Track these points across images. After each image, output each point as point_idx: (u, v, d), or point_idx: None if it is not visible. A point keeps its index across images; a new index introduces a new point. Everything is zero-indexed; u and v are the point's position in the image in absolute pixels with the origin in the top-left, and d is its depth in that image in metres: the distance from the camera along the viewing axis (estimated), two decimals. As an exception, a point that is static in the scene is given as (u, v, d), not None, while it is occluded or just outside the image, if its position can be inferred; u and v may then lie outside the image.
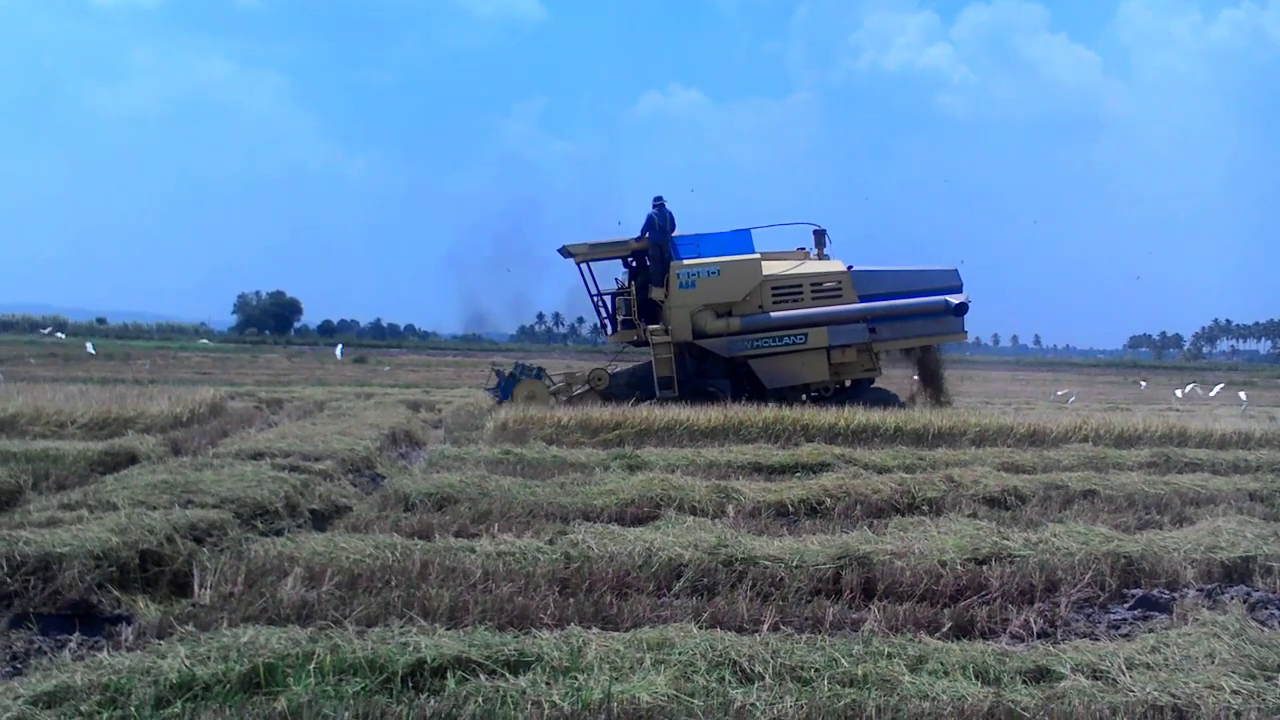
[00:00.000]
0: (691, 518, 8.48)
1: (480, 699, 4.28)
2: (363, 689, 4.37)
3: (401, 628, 5.18)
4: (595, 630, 5.31)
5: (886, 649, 5.12)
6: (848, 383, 20.06)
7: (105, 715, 4.17)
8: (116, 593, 6.27)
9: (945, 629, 5.82)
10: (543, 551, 7.13)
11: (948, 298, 19.75)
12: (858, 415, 15.76)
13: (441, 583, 6.30)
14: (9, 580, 6.04)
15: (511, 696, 4.30)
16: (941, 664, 4.95)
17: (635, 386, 19.21)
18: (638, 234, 19.49)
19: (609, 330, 20.28)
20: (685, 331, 19.10)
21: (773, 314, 19.28)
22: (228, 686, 4.39)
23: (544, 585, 6.36)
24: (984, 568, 6.93)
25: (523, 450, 12.92)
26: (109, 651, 5.10)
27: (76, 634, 5.72)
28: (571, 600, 6.09)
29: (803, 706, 4.37)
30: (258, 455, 11.09)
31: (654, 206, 19.33)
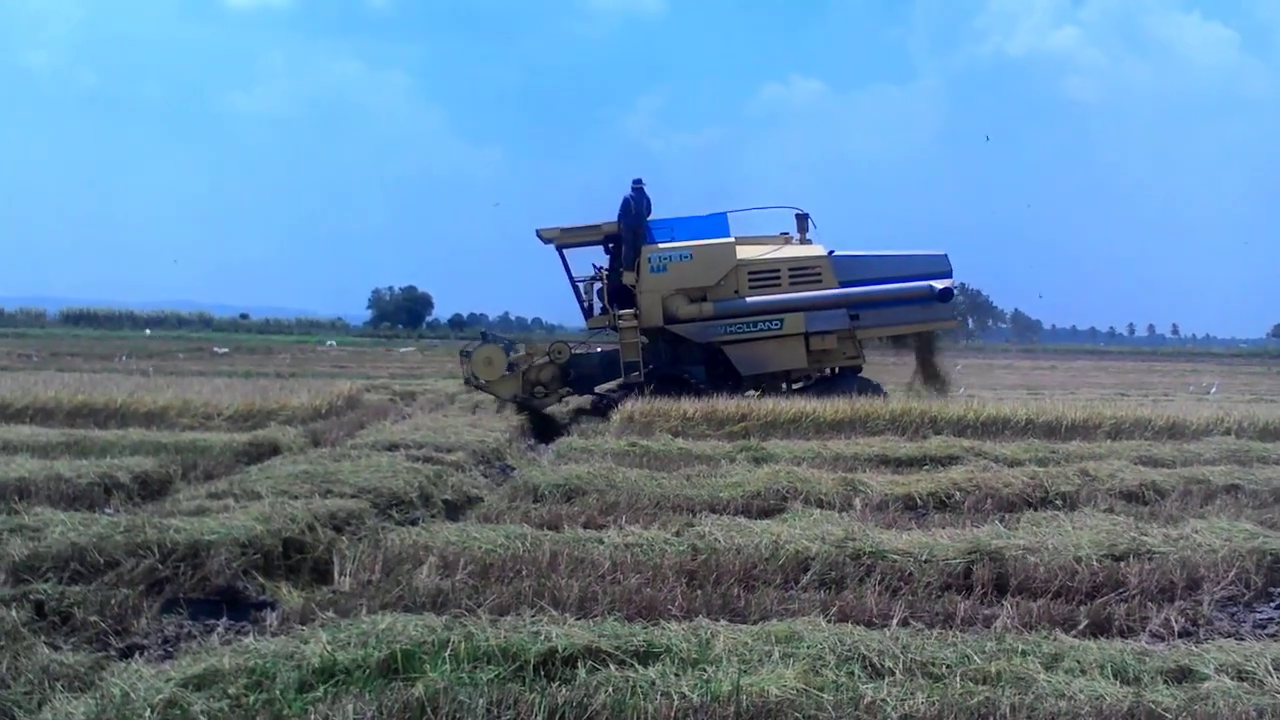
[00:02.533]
0: (818, 510, 8.45)
1: (610, 689, 4.33)
2: (496, 677, 4.46)
3: (533, 617, 5.27)
4: (723, 622, 5.33)
5: (1020, 646, 5.03)
6: (830, 371, 19.45)
7: (251, 698, 4.30)
8: (261, 579, 6.53)
9: (1081, 627, 5.69)
10: (670, 543, 7.17)
11: (932, 283, 18.97)
12: (987, 408, 15.43)
13: (571, 573, 6.39)
14: (161, 566, 6.30)
15: (641, 687, 4.34)
16: (1078, 662, 4.84)
17: (605, 369, 18.98)
18: (615, 218, 18.94)
19: (586, 316, 19.75)
20: (656, 316, 18.56)
21: (748, 299, 18.65)
22: (367, 672, 4.51)
23: (671, 577, 6.40)
24: (1121, 564, 6.75)
25: (649, 442, 12.99)
26: (254, 636, 5.29)
27: (224, 619, 5.95)
28: (699, 592, 6.12)
29: (934, 703, 4.32)
30: (393, 447, 11.40)
31: (632, 189, 18.78)
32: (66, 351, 39.35)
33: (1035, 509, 8.90)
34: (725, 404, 15.56)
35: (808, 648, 4.85)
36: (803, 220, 19.62)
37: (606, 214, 18.98)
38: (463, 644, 4.73)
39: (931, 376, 20.03)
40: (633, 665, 4.59)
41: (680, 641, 4.88)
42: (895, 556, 6.78)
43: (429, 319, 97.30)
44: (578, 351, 19.70)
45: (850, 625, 5.34)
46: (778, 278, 18.72)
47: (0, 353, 37.19)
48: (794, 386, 19.13)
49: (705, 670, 4.52)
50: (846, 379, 18.93)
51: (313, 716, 4.10)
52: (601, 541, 7.20)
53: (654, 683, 4.37)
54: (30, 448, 11.11)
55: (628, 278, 18.56)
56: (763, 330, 18.52)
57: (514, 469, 12.00)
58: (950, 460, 11.48)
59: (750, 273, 18.66)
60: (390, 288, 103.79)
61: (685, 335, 18.64)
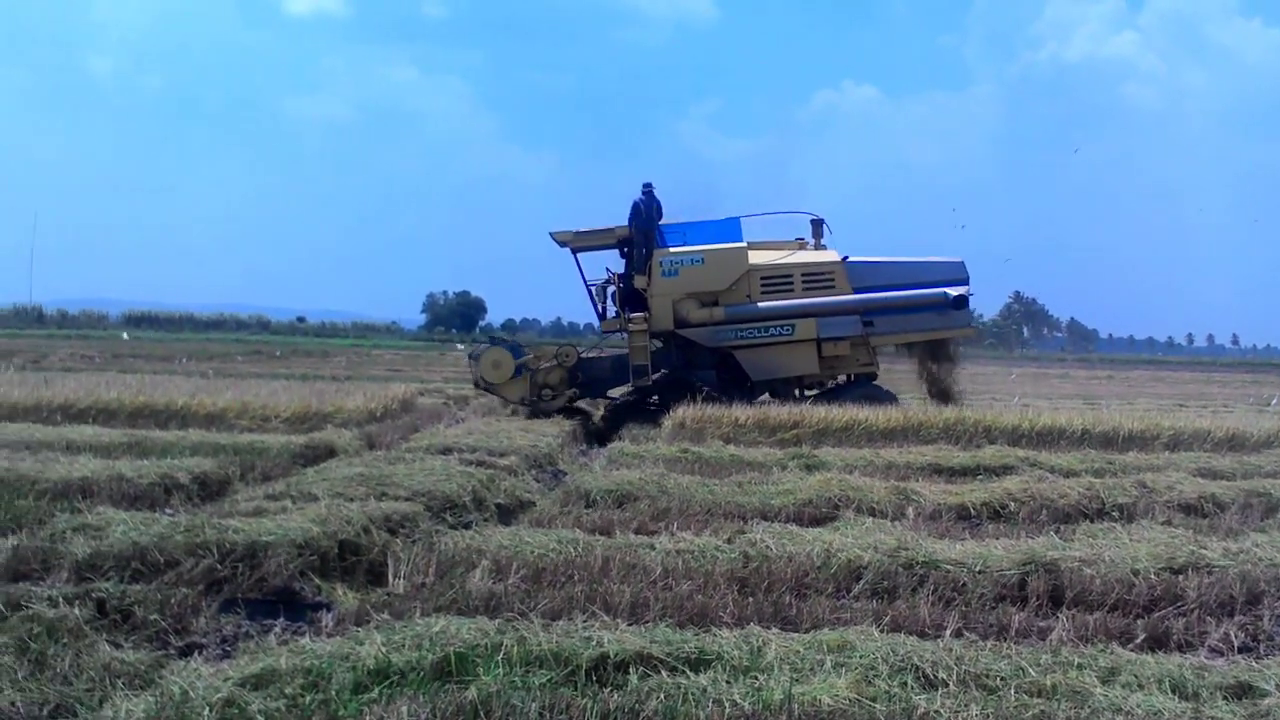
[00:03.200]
0: (870, 519, 8.41)
1: (662, 695, 4.34)
2: (549, 681, 4.49)
3: (585, 622, 5.29)
4: (774, 630, 5.32)
5: (1076, 659, 4.97)
6: (844, 377, 19.28)
7: (308, 698, 4.36)
8: (317, 580, 6.60)
9: (1139, 640, 5.61)
10: (721, 550, 7.17)
11: (947, 290, 18.71)
12: (1042, 417, 15.28)
13: (622, 579, 6.41)
14: (219, 566, 6.41)
15: (692, 694, 4.35)
16: (1135, 676, 4.78)
17: (617, 373, 18.92)
18: (626, 222, 18.87)
19: (600, 319, 19.68)
20: (667, 320, 18.47)
21: (759, 304, 18.50)
22: (421, 674, 4.56)
23: (723, 584, 6.40)
24: (1180, 577, 6.65)
25: (700, 449, 12.99)
26: (311, 637, 5.35)
27: (281, 619, 6.03)
28: (750, 600, 6.11)
29: (988, 716, 4.29)
30: (446, 450, 11.50)
31: (642, 193, 18.71)
32: (128, 353, 40.05)
33: (1091, 520, 8.80)
34: (777, 411, 15.52)
35: (860, 657, 4.83)
36: (818, 225, 19.56)
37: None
38: (515, 648, 4.77)
39: (939, 385, 19.84)
40: (684, 672, 4.59)
41: (732, 649, 4.88)
42: (949, 567, 6.73)
43: (482, 323, 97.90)
44: (588, 355, 19.72)
45: (903, 635, 5.31)
46: (790, 283, 18.62)
47: (64, 354, 37.92)
48: (808, 393, 19.05)
49: (757, 678, 4.52)
50: (858, 386, 18.80)
51: (368, 718, 4.15)
52: (653, 547, 7.21)
53: (705, 690, 4.38)
54: (93, 448, 11.34)
55: (639, 281, 18.55)
56: (774, 335, 18.42)
57: (566, 474, 12.06)
58: (1004, 470, 11.37)
59: (763, 278, 18.58)
60: (444, 292, 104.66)
61: (696, 339, 18.57)
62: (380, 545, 7.22)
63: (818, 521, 8.47)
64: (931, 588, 6.45)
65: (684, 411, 15.69)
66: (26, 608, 5.40)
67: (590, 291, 19.36)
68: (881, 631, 5.38)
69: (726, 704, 4.27)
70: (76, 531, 6.93)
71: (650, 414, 17.37)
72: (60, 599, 5.58)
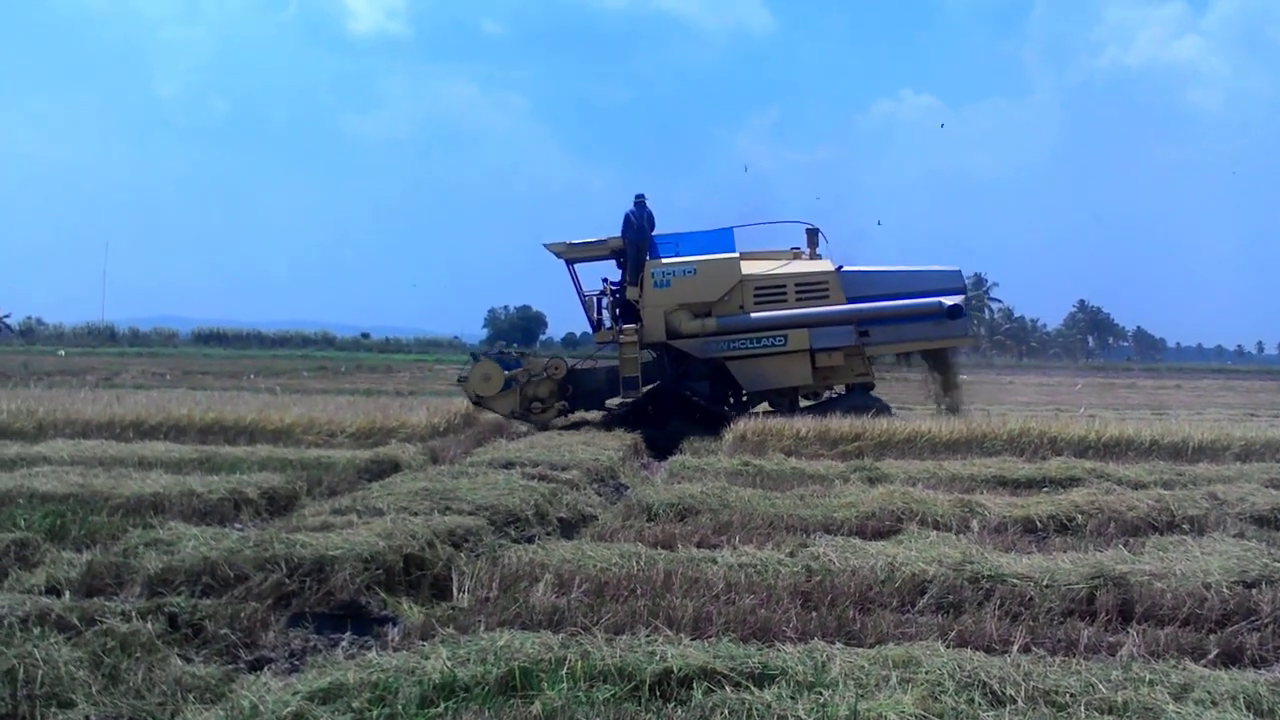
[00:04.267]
0: (934, 532, 8.33)
1: (726, 710, 4.33)
2: (613, 696, 4.50)
3: (648, 636, 5.29)
4: (839, 645, 5.28)
5: (1148, 675, 4.88)
6: (847, 388, 19.13)
7: (375, 712, 4.39)
8: (383, 594, 6.66)
9: (1211, 656, 5.51)
10: (784, 564, 7.14)
11: (942, 299, 18.49)
12: (1110, 428, 15.04)
13: (685, 593, 6.40)
14: (288, 581, 6.49)
15: (757, 710, 4.33)
16: (1208, 693, 4.69)
17: (611, 384, 18.83)
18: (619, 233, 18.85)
19: (594, 330, 19.73)
20: (659, 331, 18.41)
21: (751, 315, 18.40)
22: (486, 688, 4.59)
23: (786, 598, 6.37)
24: (1253, 591, 6.51)
25: (761, 461, 12.95)
26: (377, 651, 5.41)
27: (348, 633, 6.12)
28: (814, 614, 6.08)
29: (1057, 732, 4.24)
30: (509, 464, 11.58)
31: (634, 204, 18.73)
32: (197, 370, 40.85)
33: (1161, 533, 8.64)
34: (839, 424, 15.44)
35: (926, 673, 4.78)
36: (813, 235, 19.46)
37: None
38: (579, 662, 4.79)
39: (943, 395, 19.73)
40: (748, 687, 4.58)
41: (796, 664, 4.85)
42: (1015, 580, 6.65)
43: (543, 337, 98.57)
44: (581, 367, 19.84)
45: (969, 651, 5.26)
46: (784, 293, 18.50)
47: (135, 371, 38.74)
48: (803, 404, 18.98)
49: (821, 694, 4.49)
50: (852, 397, 18.70)
51: (434, 731, 4.18)
52: (715, 561, 7.20)
53: (770, 706, 4.36)
54: (164, 463, 11.58)
55: (631, 292, 18.59)
56: (766, 346, 18.32)
57: (627, 487, 12.08)
58: (1071, 482, 11.20)
59: (756, 288, 18.48)
60: (505, 307, 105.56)
61: (688, 350, 18.52)
62: (444, 559, 7.27)
63: (881, 535, 8.41)
64: (998, 602, 6.37)
65: (745, 424, 15.67)
66: (101, 622, 5.49)
67: (585, 303, 19.44)
68: (947, 647, 5.32)
69: (791, 719, 4.26)
70: (149, 546, 7.06)
71: (654, 423, 17.51)
72: (133, 613, 5.68)
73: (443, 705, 4.44)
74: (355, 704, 4.46)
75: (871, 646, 5.36)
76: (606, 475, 12.44)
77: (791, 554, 7.44)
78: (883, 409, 17.94)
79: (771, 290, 18.47)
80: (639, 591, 6.46)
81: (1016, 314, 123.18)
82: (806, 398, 19.18)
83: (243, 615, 5.95)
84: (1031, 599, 6.43)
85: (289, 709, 4.38)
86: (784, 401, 18.86)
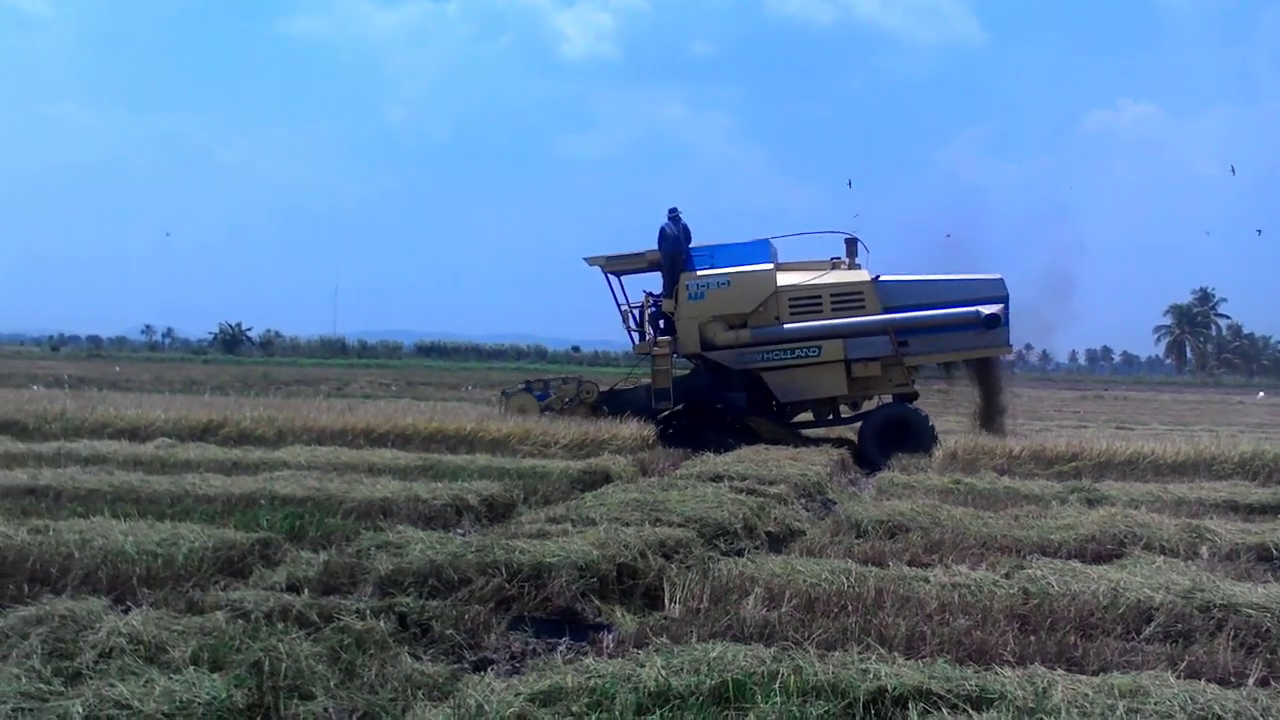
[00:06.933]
0: (1160, 558, 7.96)
1: (942, 732, 4.29)
2: (826, 713, 4.48)
3: (860, 654, 5.25)
4: (1059, 671, 5.12)
5: (1403, 717, 4.57)
6: (880, 399, 18.69)
7: (593, 717, 4.48)
8: (597, 602, 6.80)
9: None
10: (999, 585, 6.96)
11: (980, 309, 17.76)
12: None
13: (897, 611, 6.31)
14: (508, 585, 6.70)
15: (975, 733, 4.27)
16: None
17: (649, 400, 18.77)
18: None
19: (635, 343, 19.71)
20: (693, 343, 18.32)
21: (786, 325, 18.10)
22: (700, 699, 4.63)
23: (1002, 621, 6.20)
24: None
25: (973, 480, 12.67)
26: (594, 657, 5.51)
27: (565, 638, 6.27)
28: (1032, 638, 5.90)
29: (1299, 773, 4.01)
30: (717, 478, 11.66)
31: (668, 218, 18.62)
32: (420, 381, 42.66)
33: None
34: (1054, 443, 14.98)
35: (1155, 704, 4.59)
36: (851, 245, 19.29)
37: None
38: (792, 677, 4.79)
39: (984, 407, 19.47)
40: (965, 710, 4.50)
41: (1015, 689, 4.73)
42: (1250, 611, 6.28)
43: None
44: (620, 386, 20.17)
45: (1201, 683, 5.00)
46: (819, 304, 18.31)
47: (363, 382, 40.80)
48: (843, 416, 19.02)
49: (1043, 721, 4.38)
50: (889, 408, 18.54)
51: (650, 739, 4.26)
52: (927, 580, 7.07)
53: (988, 730, 4.28)
54: (392, 470, 12.20)
55: (667, 305, 18.72)
56: (800, 357, 18.17)
57: (835, 503, 11.99)
58: (1312, 509, 10.51)
59: (791, 299, 18.36)
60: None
61: (723, 362, 18.46)
62: (656, 570, 7.37)
63: (1101, 559, 8.10)
64: (1231, 632, 6.04)
65: (956, 442, 15.36)
66: (338, 619, 5.77)
67: (624, 315, 19.60)
68: (1177, 677, 5.08)
69: (1011, 745, 4.17)
70: (380, 549, 7.43)
71: (689, 434, 17.81)
72: (367, 611, 5.96)
73: (658, 713, 4.50)
74: (574, 708, 4.55)
75: (1095, 674, 5.17)
76: (814, 490, 12.38)
77: (1007, 575, 7.24)
78: (920, 422, 17.82)
79: (806, 301, 18.44)
80: (850, 608, 6.40)
81: (1246, 330, 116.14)
82: (850, 408, 19.15)
83: (467, 617, 6.18)
84: (1268, 631, 6.06)
85: (512, 709, 4.50)
86: (824, 411, 19.04)
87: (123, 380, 36.39)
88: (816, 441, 18.17)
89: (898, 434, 17.50)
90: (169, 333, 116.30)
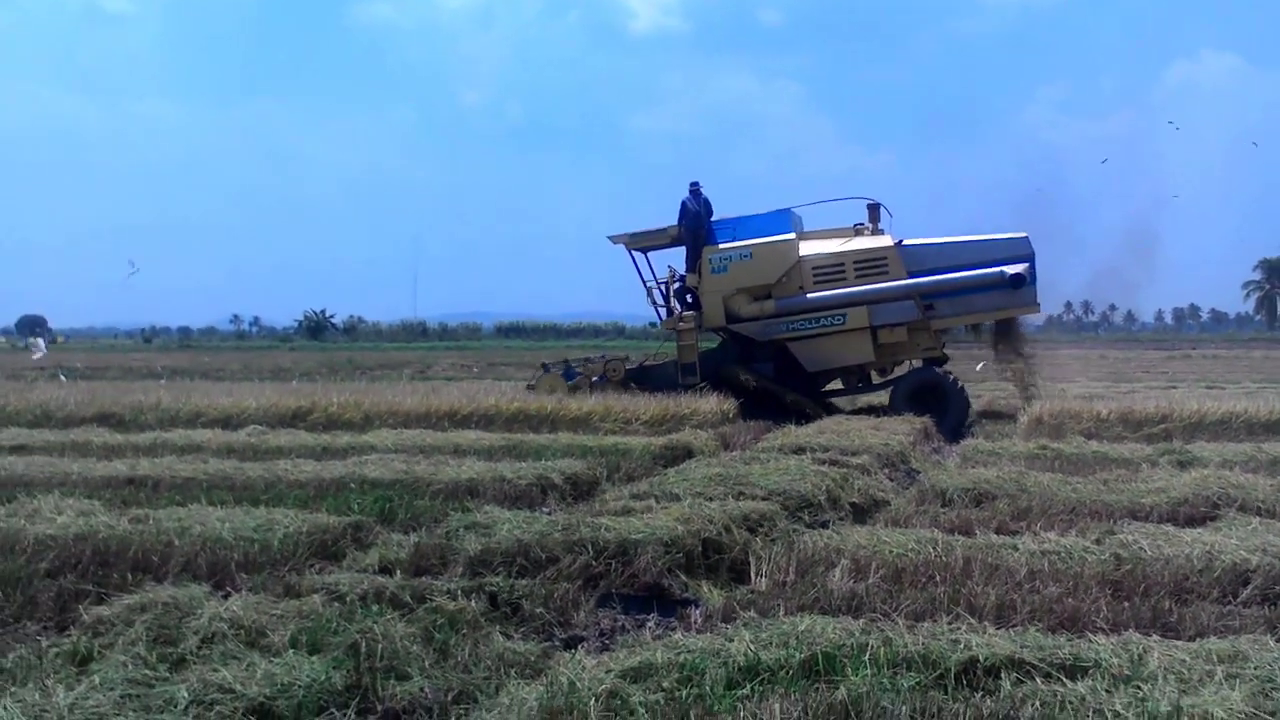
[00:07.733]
0: (1256, 519, 7.78)
1: (1037, 702, 4.24)
2: (918, 684, 4.47)
3: (950, 624, 5.23)
4: (1155, 638, 5.05)
5: None
6: (911, 364, 18.54)
7: (683, 692, 4.51)
8: (684, 577, 6.83)
9: None
10: (1090, 551, 6.87)
11: (1005, 269, 17.47)
12: None
13: (985, 580, 6.25)
14: (594, 563, 6.76)
15: (1070, 702, 4.21)
16: None
17: (681, 374, 18.76)
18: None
19: (661, 318, 19.77)
20: (718, 317, 18.38)
21: (809, 295, 17.99)
22: (789, 672, 4.65)
23: (1094, 587, 6.11)
24: None
25: (1060, 445, 12.51)
26: (682, 632, 5.57)
27: (653, 614, 6.32)
28: (1125, 604, 5.81)
29: None
30: (799, 450, 11.64)
31: (690, 192, 18.59)
32: (500, 361, 43.08)
33: None
34: (1143, 405, 14.70)
35: (1255, 668, 4.51)
36: (874, 210, 19.08)
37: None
38: (881, 649, 4.80)
39: (1019, 369, 19.21)
40: (1060, 679, 4.46)
41: (1109, 656, 4.68)
42: (1354, 572, 6.14)
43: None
44: (651, 363, 20.08)
45: (1303, 646, 4.90)
46: (843, 271, 18.23)
47: (445, 364, 41.30)
48: (874, 382, 18.98)
49: (1140, 688, 4.31)
50: (918, 373, 18.44)
51: (741, 713, 4.27)
52: (1015, 548, 7.00)
53: (1084, 698, 4.23)
54: (476, 451, 12.35)
55: (690, 279, 18.78)
56: (825, 326, 18.15)
57: (919, 472, 11.91)
58: None
59: (814, 268, 18.30)
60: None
61: (748, 334, 18.49)
62: (741, 544, 7.40)
63: (1195, 521, 7.94)
64: (1334, 594, 5.91)
65: (1041, 407, 15.15)
66: (430, 600, 5.88)
67: (650, 291, 19.68)
68: (1277, 641, 4.98)
69: (1108, 714, 4.11)
70: (468, 529, 7.53)
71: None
72: (458, 592, 6.07)
73: (748, 687, 4.53)
74: (665, 683, 4.59)
75: (1191, 640, 5.10)
76: (897, 460, 12.30)
77: (1098, 541, 7.14)
78: (950, 386, 17.74)
79: (829, 269, 18.37)
80: (938, 578, 6.36)
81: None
82: (880, 374, 19.07)
83: (555, 595, 6.26)
84: (1374, 592, 5.92)
85: (604, 686, 4.54)
86: (853, 379, 19.06)
87: (213, 370, 37.26)
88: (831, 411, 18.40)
89: (929, 399, 17.42)
90: (256, 321, 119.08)
